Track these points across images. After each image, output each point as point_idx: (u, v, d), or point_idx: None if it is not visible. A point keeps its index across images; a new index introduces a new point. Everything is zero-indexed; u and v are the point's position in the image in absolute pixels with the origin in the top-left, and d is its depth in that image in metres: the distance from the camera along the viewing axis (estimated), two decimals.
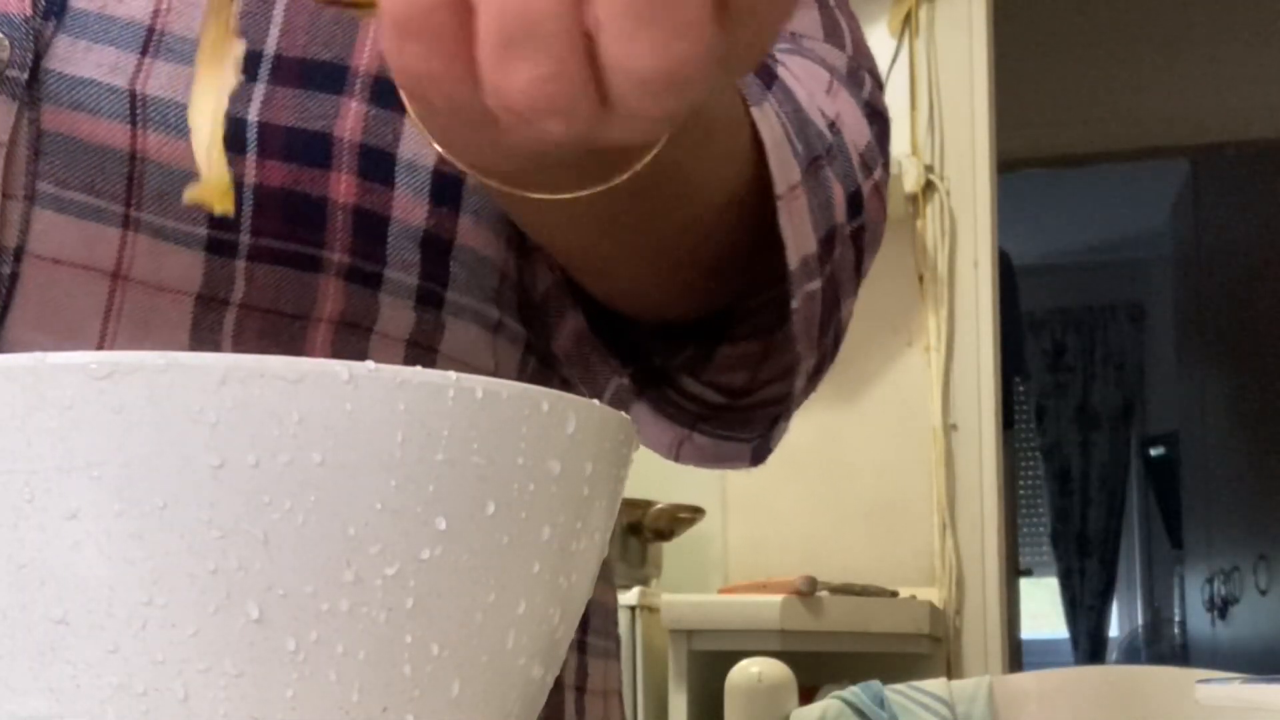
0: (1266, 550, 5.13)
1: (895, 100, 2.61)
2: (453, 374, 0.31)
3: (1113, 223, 6.30)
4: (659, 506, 2.42)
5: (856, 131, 0.62)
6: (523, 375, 0.63)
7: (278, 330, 0.54)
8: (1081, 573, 6.88)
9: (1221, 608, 5.57)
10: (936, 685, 1.27)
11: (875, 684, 1.26)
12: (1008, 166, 3.14)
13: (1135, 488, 6.99)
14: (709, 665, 2.12)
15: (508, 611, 0.32)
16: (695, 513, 2.47)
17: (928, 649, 2.37)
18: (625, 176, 0.43)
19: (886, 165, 0.65)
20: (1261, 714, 0.73)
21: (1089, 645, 6.82)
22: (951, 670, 2.47)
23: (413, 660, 0.31)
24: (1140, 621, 7.07)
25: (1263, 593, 5.16)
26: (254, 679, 0.30)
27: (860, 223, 0.60)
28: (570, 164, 0.44)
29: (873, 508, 2.59)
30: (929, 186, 2.59)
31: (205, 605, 0.29)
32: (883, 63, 2.62)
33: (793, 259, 0.54)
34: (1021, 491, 6.80)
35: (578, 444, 0.33)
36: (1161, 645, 6.78)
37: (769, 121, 0.54)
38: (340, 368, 0.30)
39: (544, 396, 0.32)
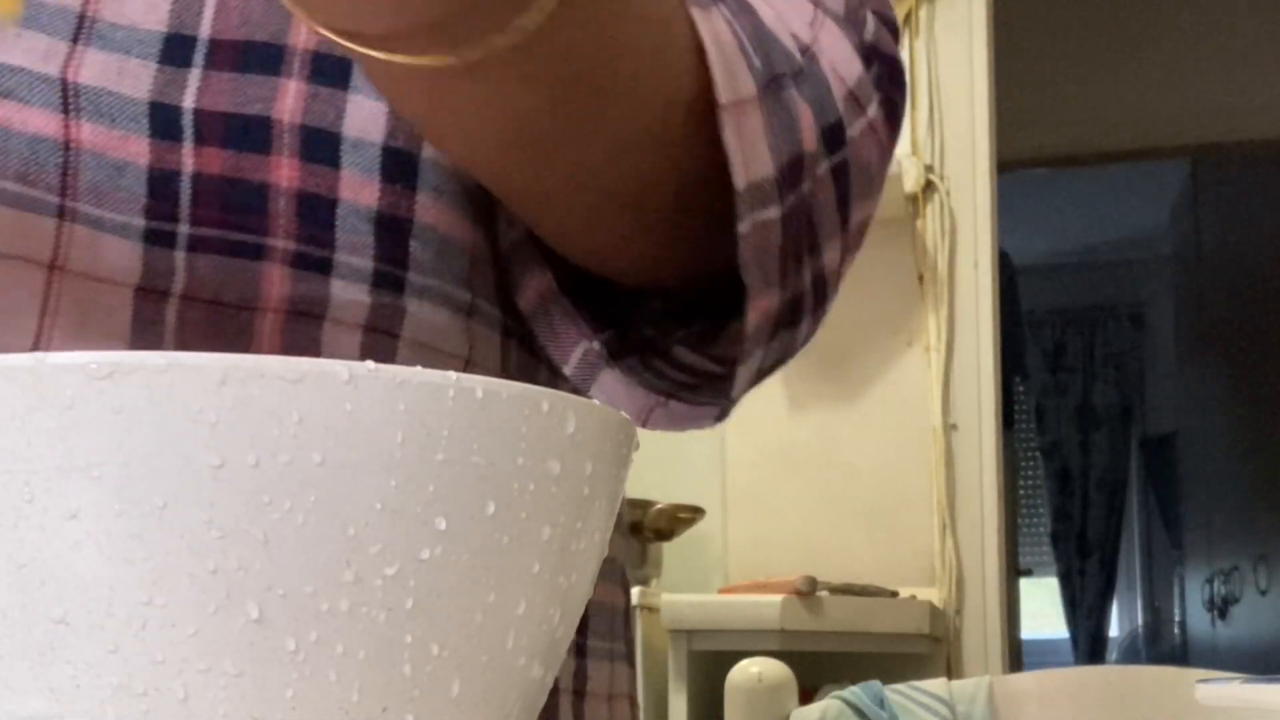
0: (1266, 550, 5.13)
1: None
2: (453, 374, 0.31)
3: (1113, 223, 6.30)
4: (659, 506, 2.42)
5: (842, 64, 0.58)
6: (505, 362, 0.60)
7: (222, 321, 0.52)
8: (1081, 573, 6.88)
9: (1221, 608, 5.57)
10: (936, 685, 1.27)
11: (875, 684, 1.26)
12: (1008, 166, 3.14)
13: (1135, 488, 6.99)
14: (709, 665, 2.12)
15: (508, 611, 0.32)
16: (695, 513, 2.47)
17: (928, 649, 2.37)
18: (504, 38, 0.41)
19: (894, 112, 0.60)
20: (1261, 714, 0.73)
21: (1089, 645, 6.82)
22: (951, 670, 2.48)
23: (413, 660, 0.31)
24: (1140, 621, 7.07)
25: (1263, 593, 5.16)
26: (254, 679, 0.30)
27: (843, 159, 0.56)
28: (444, 28, 0.41)
29: (873, 508, 2.59)
30: (929, 186, 2.59)
31: (205, 605, 0.29)
32: None
33: (739, 178, 0.50)
34: (1021, 491, 6.80)
35: (578, 444, 0.33)
36: (1161, 645, 6.78)
37: (714, 26, 0.50)
38: (340, 368, 0.30)
39: (544, 396, 0.32)
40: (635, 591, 2.21)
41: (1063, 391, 6.97)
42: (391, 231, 0.55)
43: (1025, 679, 1.32)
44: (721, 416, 0.59)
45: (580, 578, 0.35)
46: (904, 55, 2.66)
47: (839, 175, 0.56)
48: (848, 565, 2.52)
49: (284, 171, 0.53)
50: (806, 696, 1.35)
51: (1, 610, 0.29)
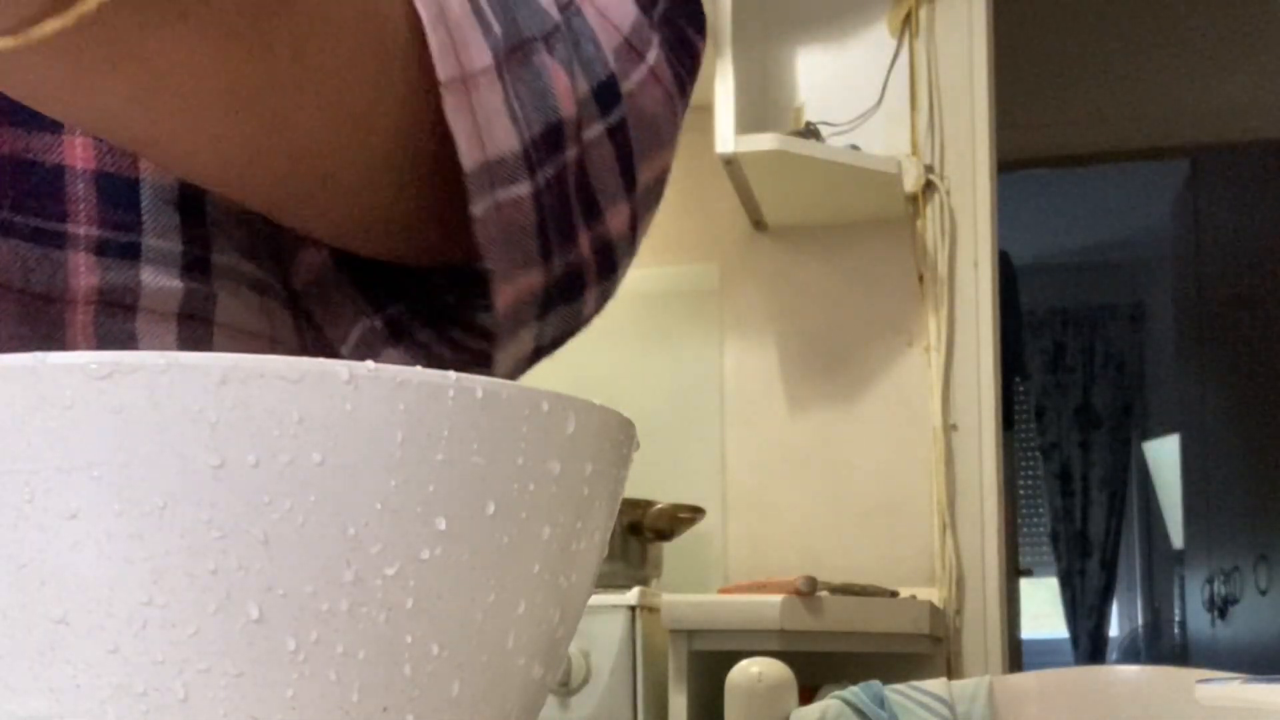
0: (1266, 550, 5.13)
1: (895, 100, 2.61)
2: (452, 374, 0.31)
3: (1113, 223, 6.30)
4: (659, 506, 2.42)
5: (615, 11, 0.54)
6: (301, 341, 0.57)
7: (35, 314, 0.49)
8: (1081, 573, 6.88)
9: (1221, 608, 5.57)
10: (936, 685, 1.27)
11: (875, 684, 1.26)
12: (1008, 166, 3.14)
13: (1135, 488, 6.99)
14: (709, 665, 2.12)
15: (508, 611, 0.32)
16: (695, 513, 2.47)
17: (928, 649, 2.36)
18: (61, 21, 0.36)
19: (685, 49, 0.56)
20: (1261, 714, 0.73)
21: (1089, 645, 6.82)
22: (951, 670, 2.47)
23: (413, 660, 0.31)
24: (1140, 621, 7.07)
25: (1263, 593, 5.16)
26: (254, 679, 0.30)
27: (619, 117, 0.53)
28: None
29: (873, 508, 2.59)
30: (929, 186, 2.59)
31: (205, 605, 0.29)
32: (883, 63, 2.62)
33: (467, 158, 0.46)
34: (1021, 491, 6.80)
35: (578, 444, 0.33)
36: (1161, 645, 6.79)
37: None
38: (340, 368, 0.30)
39: (544, 397, 0.32)
40: (635, 591, 2.21)
41: (1063, 391, 6.97)
42: (193, 210, 0.52)
43: (1025, 679, 1.32)
44: None
45: (580, 578, 0.35)
46: (904, 55, 2.66)
47: (616, 134, 0.53)
48: (848, 565, 2.52)
49: (78, 151, 0.50)
50: (806, 696, 1.35)
51: (1, 610, 0.29)
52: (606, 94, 0.53)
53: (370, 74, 0.45)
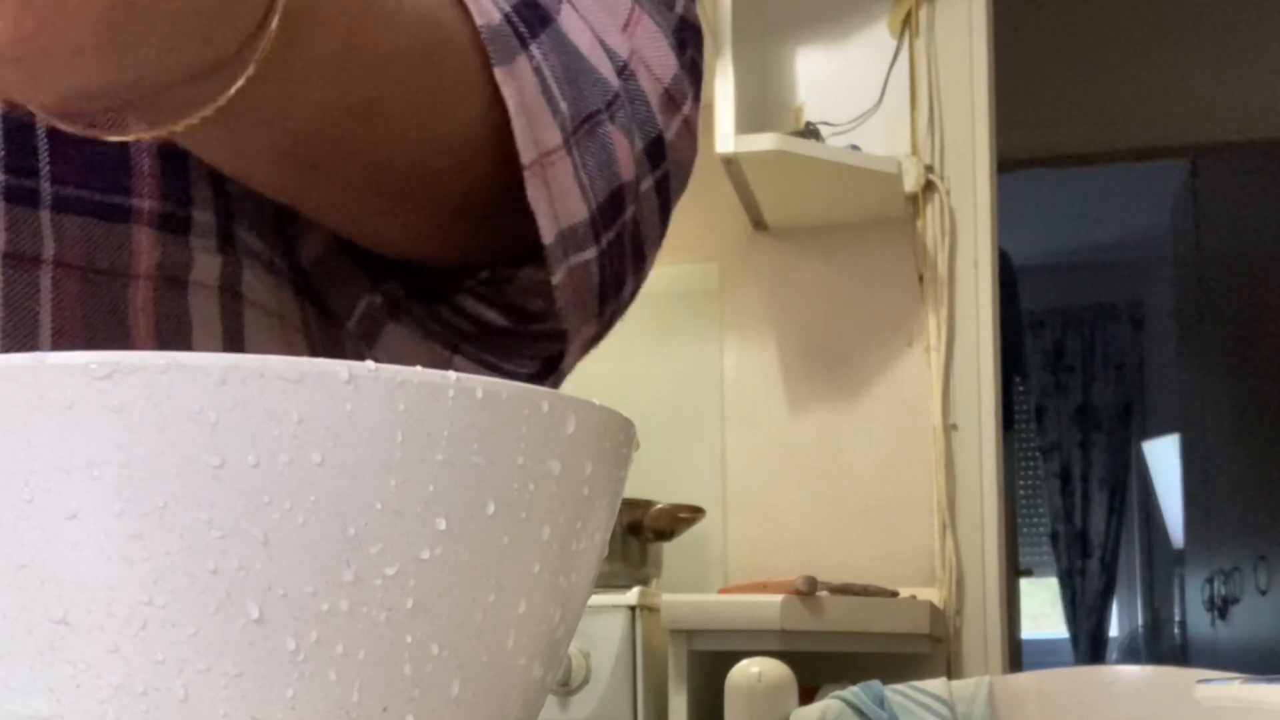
0: (1266, 550, 5.13)
1: (895, 100, 2.61)
2: (452, 374, 0.31)
3: (1113, 223, 6.30)
4: (659, 506, 2.42)
5: (660, 66, 0.57)
6: (304, 319, 0.59)
7: (99, 293, 0.50)
8: (1081, 573, 6.88)
9: (1221, 608, 5.57)
10: (936, 685, 1.27)
11: (875, 684, 1.26)
12: (1008, 166, 3.14)
13: (1135, 488, 6.99)
14: (709, 665, 2.12)
15: (508, 611, 0.32)
16: (695, 513, 2.47)
17: (928, 649, 2.36)
18: (201, 112, 0.40)
19: (698, 94, 0.60)
20: (1261, 714, 0.73)
21: (1089, 645, 6.82)
22: (951, 670, 2.47)
23: (413, 660, 0.31)
24: (1140, 621, 7.07)
25: (1263, 593, 5.16)
26: (254, 679, 0.30)
27: (664, 171, 0.56)
28: (133, 107, 0.40)
29: (873, 507, 2.59)
30: (929, 186, 2.59)
31: (205, 605, 0.29)
32: (883, 63, 2.62)
33: (548, 233, 0.50)
34: (1021, 491, 6.80)
35: (578, 444, 0.33)
36: (1161, 645, 6.78)
37: (519, 82, 0.49)
38: (340, 368, 0.30)
39: (544, 396, 0.32)
40: (635, 591, 2.21)
41: (1063, 391, 6.97)
42: (219, 183, 0.54)
43: (1025, 679, 1.32)
44: None
45: (580, 578, 0.35)
46: (904, 55, 2.66)
47: (661, 186, 0.56)
48: (848, 565, 2.52)
49: None
50: (806, 696, 1.35)
51: (1, 610, 0.29)
52: (655, 150, 0.56)
53: (459, 145, 0.49)
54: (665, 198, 0.57)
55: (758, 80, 2.59)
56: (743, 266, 2.68)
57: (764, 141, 2.35)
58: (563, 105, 0.51)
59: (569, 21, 0.53)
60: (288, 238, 0.58)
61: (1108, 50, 4.29)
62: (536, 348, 0.56)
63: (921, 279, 2.59)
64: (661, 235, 0.58)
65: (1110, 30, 4.29)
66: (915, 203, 2.59)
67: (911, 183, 2.56)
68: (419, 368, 0.31)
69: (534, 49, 0.50)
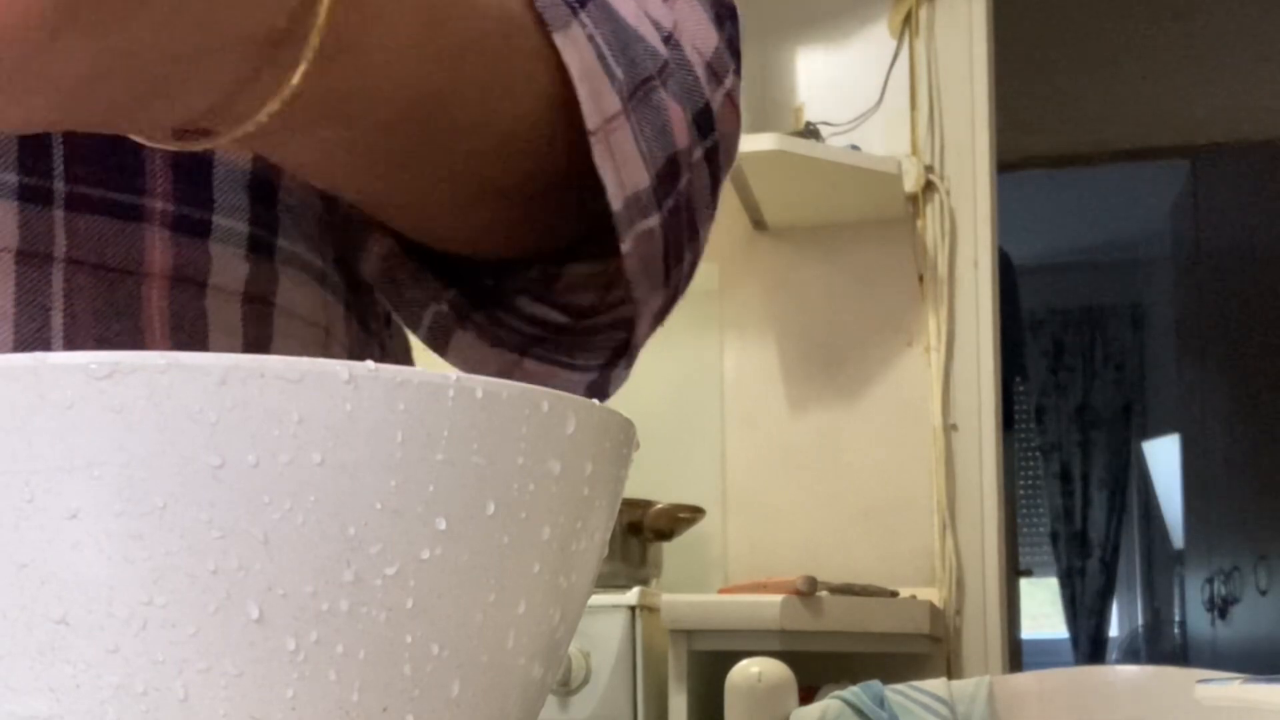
0: (1266, 550, 5.13)
1: (895, 100, 2.61)
2: (453, 374, 0.31)
3: (1113, 223, 6.30)
4: (659, 506, 2.42)
5: (701, 39, 0.57)
6: (350, 335, 0.59)
7: (112, 290, 0.51)
8: (1081, 573, 6.88)
9: (1221, 608, 5.57)
10: (936, 685, 1.27)
11: (875, 684, 1.26)
12: (1008, 166, 3.14)
13: (1135, 488, 6.99)
14: (709, 665, 2.12)
15: (508, 611, 0.32)
16: (695, 513, 2.47)
17: (928, 649, 2.37)
18: (259, 117, 0.39)
19: (739, 69, 0.59)
20: (1261, 714, 0.73)
21: (1089, 645, 6.82)
22: (951, 670, 2.47)
23: (413, 660, 0.31)
24: (1140, 622, 7.07)
25: (1263, 593, 5.16)
26: (254, 679, 0.30)
27: (714, 141, 0.56)
28: (201, 118, 0.40)
29: (873, 508, 2.59)
30: (929, 186, 2.59)
31: (205, 605, 0.29)
32: (883, 63, 2.62)
33: (616, 199, 0.50)
34: (1021, 491, 6.80)
35: (578, 444, 0.33)
36: (1161, 645, 6.78)
37: (576, 48, 0.49)
38: (340, 368, 0.30)
39: (544, 396, 0.32)
40: (635, 591, 2.21)
41: (1063, 391, 6.97)
42: (264, 194, 0.54)
43: (1025, 679, 1.32)
44: (596, 390, 0.57)
45: (580, 578, 0.35)
46: (904, 55, 2.66)
47: (711, 157, 0.56)
48: (848, 565, 2.52)
49: None
50: (806, 696, 1.35)
51: (1, 610, 0.29)
52: (704, 119, 0.55)
53: (526, 122, 0.49)
54: (715, 169, 0.56)
55: (757, 80, 2.59)
56: (743, 266, 2.68)
57: (764, 141, 2.35)
58: (618, 71, 0.50)
59: None
60: (347, 251, 0.58)
61: (1108, 50, 4.29)
62: (601, 339, 0.57)
63: (921, 279, 2.59)
64: (713, 209, 0.57)
65: (1110, 30, 4.29)
66: (915, 203, 2.59)
67: (911, 183, 2.56)
68: (419, 368, 0.31)
69: (584, 17, 0.50)
